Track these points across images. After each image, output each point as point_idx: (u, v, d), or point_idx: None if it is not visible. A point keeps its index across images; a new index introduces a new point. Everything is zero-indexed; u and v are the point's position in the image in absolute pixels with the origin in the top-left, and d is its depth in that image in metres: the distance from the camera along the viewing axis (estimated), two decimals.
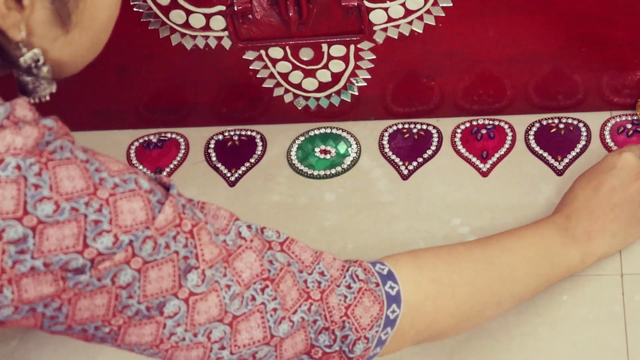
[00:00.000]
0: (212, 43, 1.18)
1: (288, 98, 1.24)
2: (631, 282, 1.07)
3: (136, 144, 1.29)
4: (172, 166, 1.26)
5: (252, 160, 1.25)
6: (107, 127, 1.30)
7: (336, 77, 1.21)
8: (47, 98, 0.89)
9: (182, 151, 1.27)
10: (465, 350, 1.05)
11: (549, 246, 1.01)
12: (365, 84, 1.22)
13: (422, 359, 1.05)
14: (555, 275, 1.02)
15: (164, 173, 1.25)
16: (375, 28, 1.15)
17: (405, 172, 1.21)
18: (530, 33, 1.14)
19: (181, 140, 1.28)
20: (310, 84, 1.22)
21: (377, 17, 1.13)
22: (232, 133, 1.28)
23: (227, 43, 1.17)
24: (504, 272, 0.97)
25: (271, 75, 1.21)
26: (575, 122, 1.21)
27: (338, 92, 1.23)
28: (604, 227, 1.03)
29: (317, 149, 1.25)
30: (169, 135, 1.29)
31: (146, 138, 1.29)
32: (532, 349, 1.04)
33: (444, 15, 1.12)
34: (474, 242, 1.01)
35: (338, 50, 1.17)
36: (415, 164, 1.22)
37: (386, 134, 1.25)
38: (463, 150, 1.21)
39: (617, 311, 1.06)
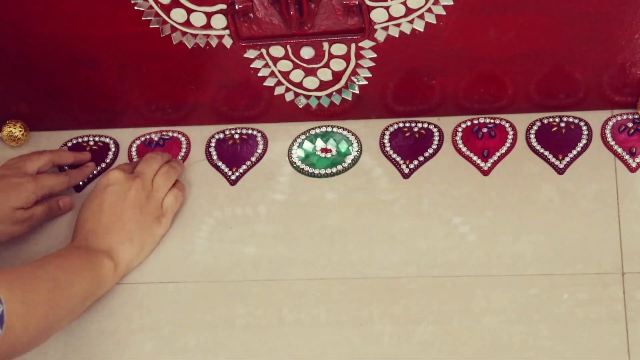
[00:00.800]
0: (213, 42, 1.18)
1: (289, 97, 1.24)
2: (632, 280, 1.07)
3: (138, 142, 1.29)
4: None
5: (253, 159, 1.25)
6: (108, 126, 1.30)
7: (337, 75, 1.21)
8: None
9: (184, 150, 1.27)
10: (465, 348, 1.05)
11: (86, 264, 1.10)
12: (366, 82, 1.22)
13: (423, 357, 1.06)
14: (100, 286, 1.12)
15: None
16: (376, 27, 1.15)
17: (406, 170, 1.21)
18: (532, 31, 1.14)
19: (183, 139, 1.28)
20: (311, 82, 1.22)
21: (378, 15, 1.13)
22: (233, 132, 1.28)
23: (228, 42, 1.17)
24: (65, 291, 1.06)
25: (272, 74, 1.21)
26: (576, 121, 1.21)
27: (339, 91, 1.23)
28: (118, 236, 1.14)
29: (318, 148, 1.25)
30: (170, 133, 1.29)
31: (148, 136, 1.29)
32: (532, 347, 1.04)
33: (444, 13, 1.12)
34: (40, 261, 1.08)
35: (339, 48, 1.17)
36: (416, 162, 1.22)
37: (387, 132, 1.25)
38: (464, 149, 1.21)
39: (619, 310, 1.05)
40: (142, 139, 1.29)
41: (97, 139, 1.30)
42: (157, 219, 1.17)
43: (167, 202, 1.19)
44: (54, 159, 1.24)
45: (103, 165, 1.28)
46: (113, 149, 1.29)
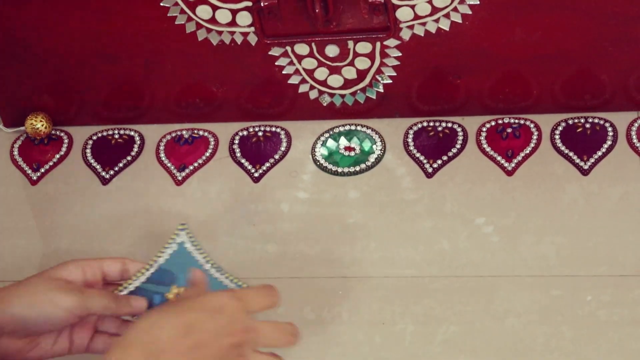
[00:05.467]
0: (238, 39, 1.18)
1: (313, 95, 1.24)
2: None
3: (168, 137, 1.29)
4: (196, 164, 1.26)
5: (277, 157, 1.25)
6: (132, 122, 1.30)
7: (361, 74, 1.21)
8: None
9: (210, 150, 1.27)
10: (487, 349, 1.05)
11: None
12: (391, 81, 1.21)
13: (445, 357, 1.05)
14: None
15: (189, 169, 1.25)
16: (401, 25, 1.14)
17: (430, 170, 1.21)
18: (558, 32, 1.13)
19: (212, 139, 1.28)
20: (335, 80, 1.22)
21: (403, 14, 1.13)
22: (256, 129, 1.28)
23: (253, 39, 1.17)
24: None
25: (297, 72, 1.21)
26: (601, 122, 1.21)
27: (363, 90, 1.23)
28: None
29: (341, 146, 1.25)
30: (201, 132, 1.29)
31: (178, 133, 1.29)
32: (555, 348, 1.04)
33: (470, 13, 1.12)
34: None
35: (364, 47, 1.17)
36: (440, 162, 1.21)
37: (411, 131, 1.25)
38: (488, 149, 1.21)
39: None
40: (173, 134, 1.29)
41: (122, 132, 1.30)
42: None
43: None
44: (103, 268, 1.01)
45: (129, 158, 1.28)
46: (138, 142, 1.29)
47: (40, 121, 1.29)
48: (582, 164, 1.18)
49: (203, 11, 1.15)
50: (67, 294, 0.94)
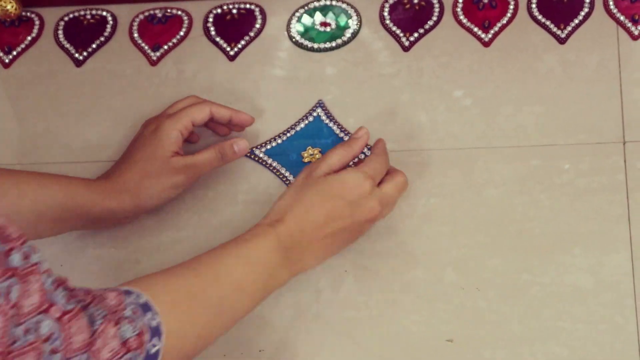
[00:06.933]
0: None
1: None
2: (633, 149, 1.07)
3: (141, 17, 1.27)
4: (170, 44, 1.25)
5: (252, 34, 1.24)
6: (104, 2, 1.28)
7: None
8: None
9: (185, 29, 1.25)
10: (467, 220, 1.06)
11: (269, 273, 0.97)
12: None
13: (425, 230, 1.06)
14: (267, 293, 0.98)
15: (163, 48, 1.24)
16: None
17: (407, 43, 1.20)
18: None
19: (185, 17, 1.26)
20: None
21: None
22: (230, 6, 1.26)
23: None
24: (229, 314, 0.95)
25: None
26: None
27: None
28: (318, 251, 1.01)
29: (317, 22, 1.23)
30: (174, 11, 1.27)
31: (151, 12, 1.27)
32: (533, 217, 1.04)
33: None
34: (202, 264, 0.95)
35: None
36: (416, 35, 1.20)
37: (387, 5, 1.23)
38: (465, 21, 1.20)
39: (620, 179, 1.05)
40: (146, 14, 1.27)
41: (94, 12, 1.28)
42: (355, 239, 1.06)
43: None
44: (199, 100, 1.13)
45: (102, 38, 1.26)
46: (111, 22, 1.27)
47: (10, 2, 1.27)
48: (559, 32, 1.17)
49: None
50: (181, 172, 1.07)
